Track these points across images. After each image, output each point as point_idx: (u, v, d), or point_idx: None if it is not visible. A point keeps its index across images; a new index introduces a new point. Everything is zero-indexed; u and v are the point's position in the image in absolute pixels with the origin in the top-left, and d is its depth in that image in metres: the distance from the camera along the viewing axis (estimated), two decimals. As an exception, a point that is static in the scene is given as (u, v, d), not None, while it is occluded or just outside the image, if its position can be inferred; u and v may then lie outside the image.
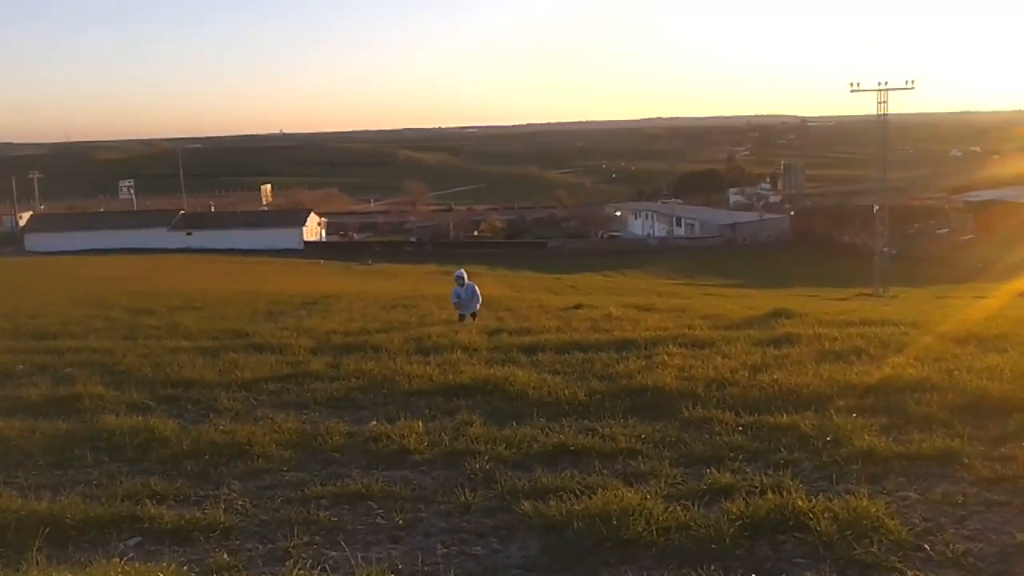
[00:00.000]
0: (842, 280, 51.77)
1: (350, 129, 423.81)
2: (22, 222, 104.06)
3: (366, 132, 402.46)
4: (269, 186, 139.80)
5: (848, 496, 4.84)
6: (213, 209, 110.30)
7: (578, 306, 20.58)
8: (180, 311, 19.34)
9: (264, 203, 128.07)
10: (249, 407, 7.68)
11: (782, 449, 5.81)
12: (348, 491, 5.34)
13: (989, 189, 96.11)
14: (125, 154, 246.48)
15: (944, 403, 6.75)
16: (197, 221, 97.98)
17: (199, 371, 9.24)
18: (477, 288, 16.93)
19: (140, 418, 7.06)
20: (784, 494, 4.83)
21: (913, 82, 52.13)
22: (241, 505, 5.21)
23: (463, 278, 16.81)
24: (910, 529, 4.43)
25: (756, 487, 5.02)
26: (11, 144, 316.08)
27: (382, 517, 5.01)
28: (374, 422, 6.92)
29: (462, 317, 16.27)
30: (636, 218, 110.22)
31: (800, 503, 4.68)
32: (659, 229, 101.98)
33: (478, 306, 16.81)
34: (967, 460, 5.46)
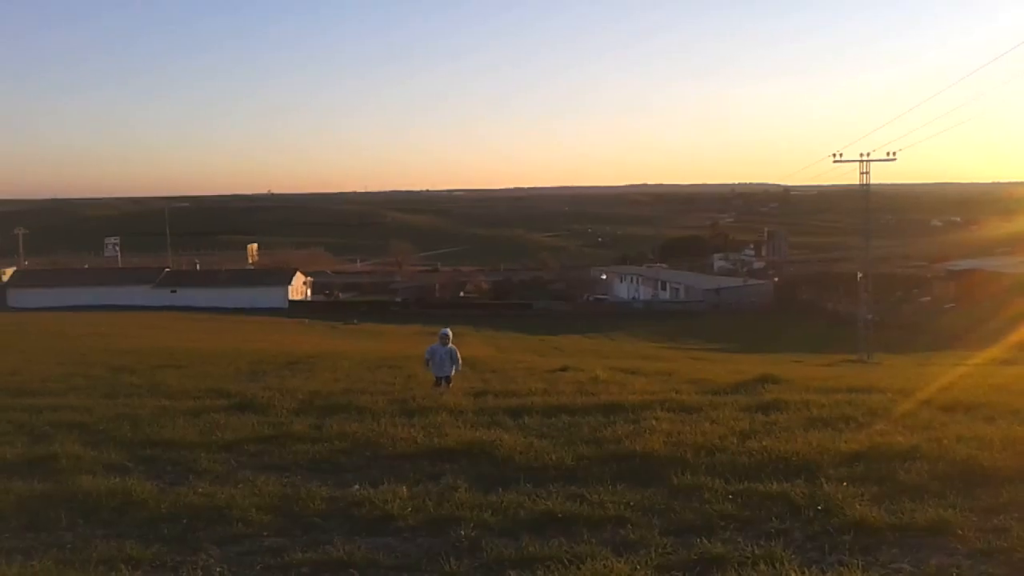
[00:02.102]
0: (825, 346, 51.93)
1: (338, 190, 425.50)
2: (5, 278, 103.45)
3: (353, 194, 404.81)
4: (255, 245, 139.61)
5: (841, 568, 4.78)
6: (198, 267, 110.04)
7: (564, 368, 20.48)
8: (162, 369, 19.11)
9: (250, 262, 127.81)
10: (229, 469, 7.53)
11: (773, 518, 5.73)
12: (330, 559, 5.21)
13: (969, 259, 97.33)
14: (112, 212, 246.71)
15: (935, 472, 6.70)
16: (182, 279, 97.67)
17: (179, 431, 9.06)
18: (458, 353, 15.46)
19: (117, 479, 6.91)
20: (777, 565, 4.75)
21: (895, 154, 52.82)
22: (219, 572, 5.07)
23: (447, 337, 15.47)
24: (906, 603, 4.34)
25: (748, 557, 4.94)
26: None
27: (365, 586, 4.88)
28: (357, 486, 6.79)
29: (438, 381, 14.96)
30: (621, 282, 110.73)
31: (793, 575, 4.58)
32: (644, 293, 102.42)
33: (454, 372, 15.26)
34: (960, 531, 5.40)
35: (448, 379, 15.02)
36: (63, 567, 5.02)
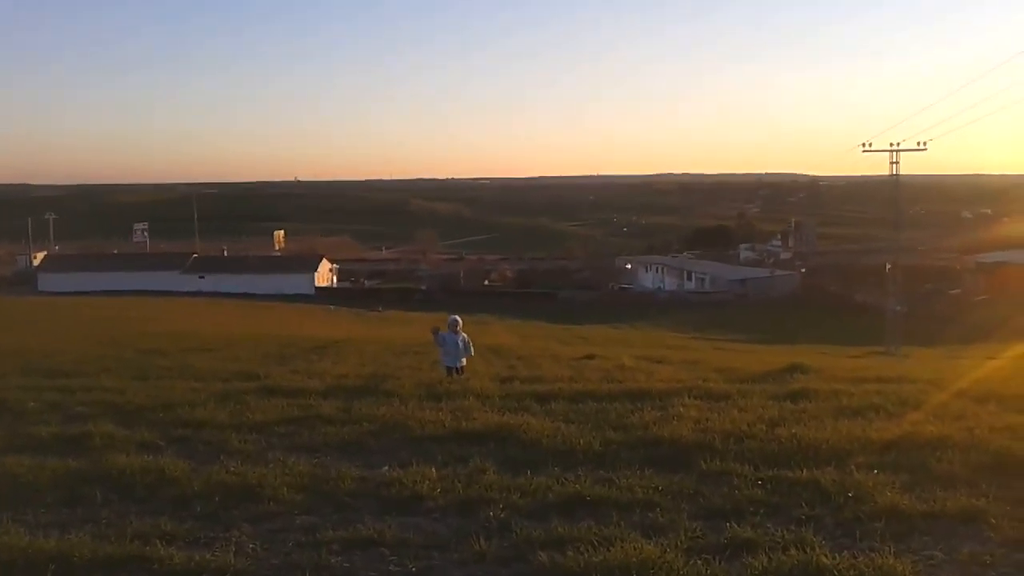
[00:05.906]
0: (853, 338, 51.44)
1: (364, 178, 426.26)
2: (36, 262, 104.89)
3: (380, 181, 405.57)
4: (282, 232, 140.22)
5: (873, 554, 4.75)
6: (226, 253, 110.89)
7: (590, 356, 20.51)
8: (191, 352, 19.34)
9: (277, 248, 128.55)
10: (260, 449, 7.61)
11: (803, 504, 5.71)
12: (360, 537, 5.25)
13: (1000, 251, 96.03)
14: (140, 197, 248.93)
15: (966, 461, 6.65)
16: (210, 265, 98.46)
17: (210, 412, 9.18)
18: (469, 340, 14.88)
19: (150, 458, 7.01)
20: (807, 550, 4.74)
21: (925, 143, 52.17)
22: (252, 548, 5.12)
23: (457, 323, 14.70)
24: (938, 590, 4.32)
25: (778, 542, 4.94)
26: (28, 185, 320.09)
27: (395, 564, 4.92)
28: (386, 467, 6.85)
29: (449, 371, 14.18)
30: (647, 271, 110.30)
31: (824, 560, 4.58)
32: (669, 283, 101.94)
33: (465, 361, 14.64)
34: (993, 520, 5.35)
35: (460, 369, 14.41)
36: (99, 541, 5.10)
